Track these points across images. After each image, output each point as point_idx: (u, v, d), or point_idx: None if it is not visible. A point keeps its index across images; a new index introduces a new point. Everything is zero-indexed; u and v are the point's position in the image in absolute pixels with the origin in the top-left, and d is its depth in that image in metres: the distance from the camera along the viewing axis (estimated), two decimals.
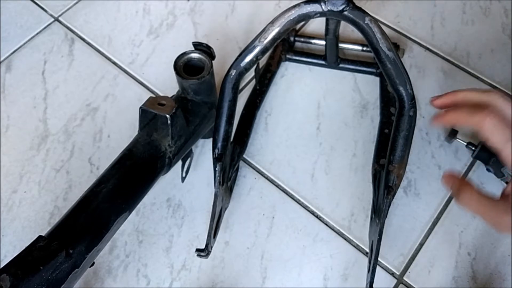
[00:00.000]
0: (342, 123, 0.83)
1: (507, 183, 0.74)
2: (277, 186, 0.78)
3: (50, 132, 0.83)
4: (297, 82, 0.87)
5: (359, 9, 0.63)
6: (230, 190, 0.75)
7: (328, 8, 0.63)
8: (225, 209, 0.73)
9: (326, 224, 0.74)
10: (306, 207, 0.76)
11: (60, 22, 0.96)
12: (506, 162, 0.50)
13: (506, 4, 0.96)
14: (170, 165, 0.68)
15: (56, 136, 0.83)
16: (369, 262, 0.64)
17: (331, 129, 0.82)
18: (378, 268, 0.66)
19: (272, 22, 0.65)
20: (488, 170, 0.76)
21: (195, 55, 0.70)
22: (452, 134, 0.78)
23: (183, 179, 0.76)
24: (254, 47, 0.65)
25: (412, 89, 0.64)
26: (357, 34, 0.68)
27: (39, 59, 0.91)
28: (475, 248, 0.72)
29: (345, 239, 0.73)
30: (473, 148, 0.76)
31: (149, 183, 0.65)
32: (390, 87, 0.65)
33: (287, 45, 0.89)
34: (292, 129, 0.83)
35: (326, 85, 0.87)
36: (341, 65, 0.86)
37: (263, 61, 0.88)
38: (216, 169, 0.64)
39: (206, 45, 0.70)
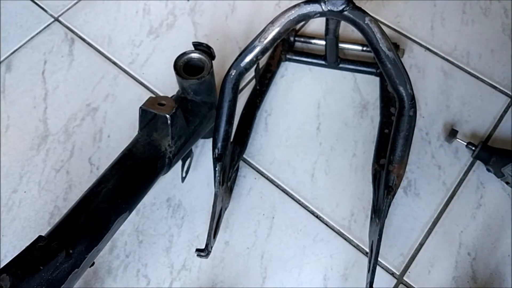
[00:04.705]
0: (342, 123, 0.83)
1: (507, 183, 0.74)
2: (277, 186, 0.78)
3: (50, 132, 0.83)
4: (297, 82, 0.87)
5: (359, 9, 0.63)
6: (230, 190, 0.75)
7: (328, 8, 0.63)
8: (225, 209, 0.73)
9: (326, 224, 0.74)
10: (306, 207, 0.76)
11: (60, 22, 0.96)
12: None
13: (506, 4, 0.96)
14: (170, 165, 0.68)
15: (56, 136, 0.83)
16: (369, 262, 0.64)
17: (331, 129, 0.82)
18: (378, 268, 0.66)
19: (272, 22, 0.65)
20: (488, 170, 0.76)
21: (195, 55, 0.70)
22: (452, 134, 0.78)
23: (183, 179, 0.76)
24: (254, 47, 0.65)
25: (412, 89, 0.64)
26: (357, 34, 0.68)
27: (39, 59, 0.91)
28: (475, 248, 0.72)
29: (345, 239, 0.73)
30: (473, 148, 0.76)
31: (149, 183, 0.65)
32: (390, 87, 0.65)
33: (287, 45, 0.89)
34: (292, 129, 0.83)
35: (326, 85, 0.87)
36: (341, 65, 0.86)
37: (263, 61, 0.88)
38: (216, 169, 0.64)
39: (206, 45, 0.70)
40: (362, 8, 0.63)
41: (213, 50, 0.70)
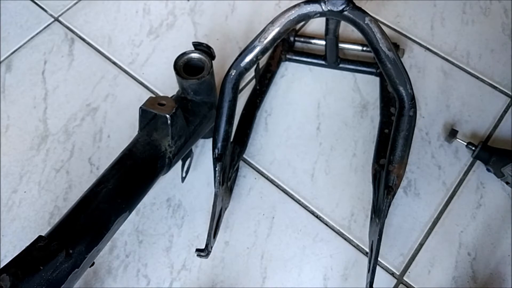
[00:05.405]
0: (342, 123, 0.83)
1: (507, 183, 0.74)
2: (277, 186, 0.78)
3: (50, 132, 0.83)
4: (297, 82, 0.87)
5: (359, 9, 0.63)
6: (230, 190, 0.75)
7: (328, 8, 0.63)
8: (225, 209, 0.73)
9: (326, 224, 0.74)
10: (306, 207, 0.76)
11: (60, 22, 0.96)
12: None
13: (506, 4, 0.96)
14: (170, 165, 0.68)
15: (56, 136, 0.83)
16: (369, 262, 0.64)
17: (331, 129, 0.82)
18: (378, 268, 0.66)
19: (272, 22, 0.65)
20: (488, 170, 0.76)
21: (195, 55, 0.70)
22: (452, 134, 0.78)
23: (183, 179, 0.76)
24: (254, 47, 0.65)
25: (412, 89, 0.64)
26: (357, 34, 0.68)
27: (39, 59, 0.91)
28: (475, 248, 0.72)
29: (345, 239, 0.73)
30: (473, 148, 0.76)
31: (149, 183, 0.65)
32: (390, 87, 0.65)
33: (287, 45, 0.89)
34: (292, 129, 0.83)
35: (326, 85, 0.87)
36: (341, 65, 0.86)
37: (263, 61, 0.88)
38: (216, 169, 0.64)
39: (206, 45, 0.70)
40: (362, 8, 0.63)
41: (213, 50, 0.70)
